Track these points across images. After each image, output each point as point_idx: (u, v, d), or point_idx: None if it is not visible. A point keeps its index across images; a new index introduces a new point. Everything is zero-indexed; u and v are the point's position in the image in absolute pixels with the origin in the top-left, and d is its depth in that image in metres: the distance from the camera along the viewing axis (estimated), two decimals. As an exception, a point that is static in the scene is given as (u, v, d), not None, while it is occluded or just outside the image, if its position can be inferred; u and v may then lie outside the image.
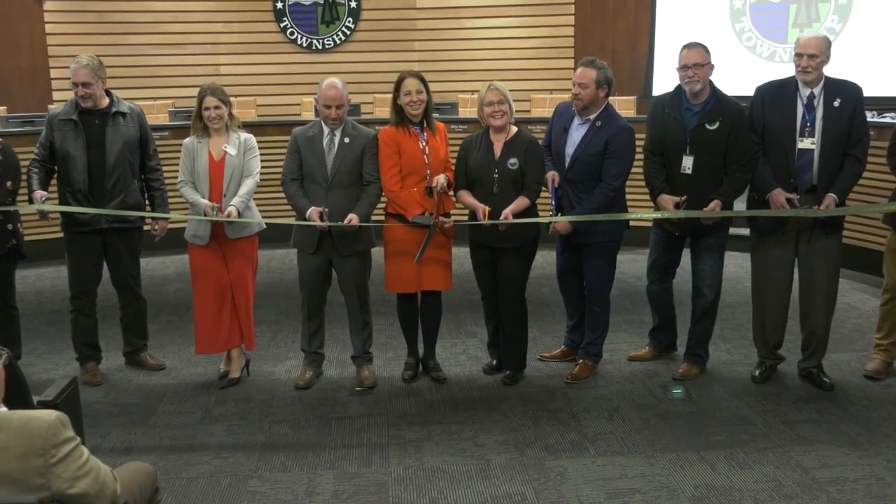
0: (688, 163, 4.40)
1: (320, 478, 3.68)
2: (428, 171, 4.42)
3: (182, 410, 4.44)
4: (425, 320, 4.77)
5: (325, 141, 4.45)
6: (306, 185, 4.49)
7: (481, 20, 10.57)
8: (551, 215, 4.45)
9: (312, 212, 4.38)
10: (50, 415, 2.03)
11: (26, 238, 4.82)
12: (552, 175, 4.44)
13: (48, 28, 10.07)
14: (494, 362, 4.87)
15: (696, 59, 4.30)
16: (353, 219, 4.35)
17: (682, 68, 4.35)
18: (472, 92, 9.27)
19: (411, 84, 4.37)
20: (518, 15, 10.53)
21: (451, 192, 4.56)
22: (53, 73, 9.95)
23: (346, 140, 4.44)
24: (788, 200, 4.26)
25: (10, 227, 4.60)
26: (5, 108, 8.79)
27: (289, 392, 4.65)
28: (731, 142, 4.34)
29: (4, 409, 2.14)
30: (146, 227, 4.95)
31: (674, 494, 3.49)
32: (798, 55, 4.24)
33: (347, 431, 4.14)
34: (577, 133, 4.44)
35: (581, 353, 4.80)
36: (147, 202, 4.86)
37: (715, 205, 4.35)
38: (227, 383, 4.74)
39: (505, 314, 4.64)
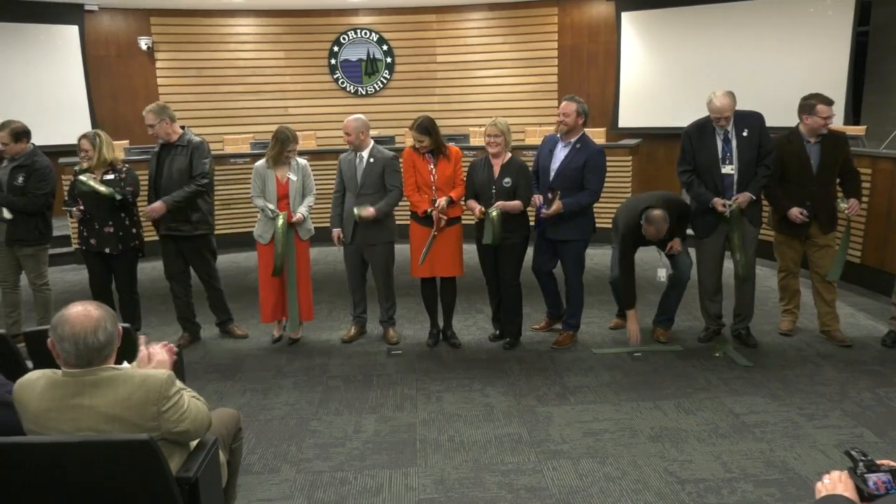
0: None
1: (364, 420, 3.68)
2: (434, 188, 4.44)
3: (260, 368, 4.45)
4: (443, 300, 4.75)
5: (357, 161, 4.57)
6: (346, 193, 4.62)
7: (487, 71, 10.52)
8: (534, 226, 4.51)
9: (336, 232, 4.64)
10: (163, 373, 2.02)
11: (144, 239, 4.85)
12: (538, 198, 4.41)
13: (159, 81, 10.13)
14: (497, 332, 4.83)
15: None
16: (370, 210, 4.46)
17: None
18: (481, 126, 9.26)
19: (414, 136, 4.42)
20: (515, 67, 10.47)
21: (463, 201, 4.54)
22: (163, 114, 10.01)
23: (372, 160, 4.56)
24: (724, 204, 4.30)
25: (134, 230, 4.62)
26: (127, 141, 8.86)
27: (342, 354, 4.65)
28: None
29: (128, 365, 2.14)
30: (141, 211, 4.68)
31: (635, 433, 3.46)
32: (716, 119, 4.27)
33: (385, 385, 4.14)
34: (561, 153, 4.43)
35: (563, 325, 4.76)
36: (195, 211, 4.61)
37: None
38: (290, 342, 4.83)
39: (504, 295, 4.61)
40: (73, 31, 9.42)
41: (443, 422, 3.64)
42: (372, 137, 4.71)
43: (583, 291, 4.69)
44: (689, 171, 4.43)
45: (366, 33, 10.51)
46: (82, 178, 4.41)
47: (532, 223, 4.52)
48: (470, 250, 4.69)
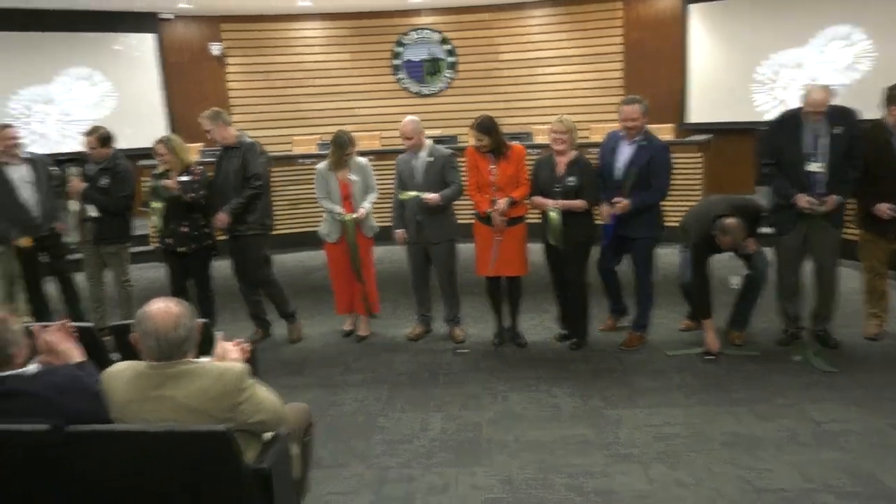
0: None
1: (431, 418, 3.69)
2: (494, 188, 4.40)
3: (328, 364, 4.53)
4: (509, 299, 4.72)
5: (415, 161, 4.61)
6: (405, 194, 4.65)
7: (551, 68, 10.40)
8: (602, 240, 4.46)
9: (399, 233, 4.70)
10: (238, 367, 2.09)
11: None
12: (607, 210, 4.31)
13: (229, 85, 10.45)
14: (563, 332, 4.77)
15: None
16: (435, 197, 4.47)
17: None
18: (544, 124, 9.15)
19: (474, 135, 4.40)
20: (579, 63, 10.31)
21: (526, 199, 4.48)
22: (234, 118, 10.29)
23: (431, 159, 4.58)
24: (809, 202, 4.11)
25: (207, 230, 4.77)
26: (202, 144, 9.16)
27: (407, 352, 4.68)
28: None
29: (207, 359, 2.21)
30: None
31: (708, 439, 3.35)
32: (810, 112, 4.07)
33: (451, 383, 4.14)
34: (625, 151, 4.34)
35: (632, 326, 4.66)
36: (251, 212, 4.67)
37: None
38: (358, 339, 4.93)
39: (571, 295, 4.55)
40: (150, 39, 9.83)
41: (509, 421, 3.62)
42: (435, 137, 4.75)
43: (653, 291, 4.58)
44: (771, 164, 4.25)
45: (428, 33, 10.56)
46: (158, 184, 4.61)
47: (599, 222, 4.44)
48: (536, 249, 4.65)
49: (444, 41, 10.57)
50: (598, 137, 8.61)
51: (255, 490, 2.05)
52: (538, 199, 4.39)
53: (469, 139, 8.95)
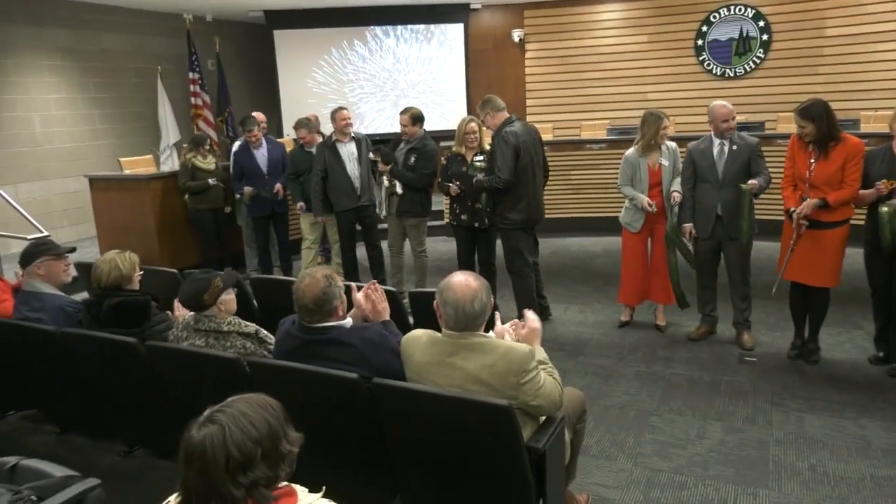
0: None
1: (709, 426, 3.43)
2: (807, 185, 3.85)
3: (603, 353, 4.46)
4: (810, 309, 4.15)
5: (716, 150, 4.25)
6: (700, 185, 4.32)
7: (891, 43, 8.82)
8: None
9: (687, 227, 4.37)
10: (525, 348, 2.15)
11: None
12: None
13: (527, 70, 10.77)
14: (881, 354, 4.06)
15: None
16: (755, 182, 4.07)
17: None
18: (875, 109, 7.83)
19: (795, 120, 3.85)
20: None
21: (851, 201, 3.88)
22: (529, 102, 10.64)
23: (735, 148, 4.20)
24: None
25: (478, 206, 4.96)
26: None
27: (687, 351, 4.40)
28: None
29: (493, 335, 2.31)
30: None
31: None
32: None
33: (735, 393, 3.79)
34: None
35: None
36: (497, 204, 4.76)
37: None
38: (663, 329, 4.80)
39: (897, 313, 3.85)
40: (458, 28, 10.58)
41: (803, 446, 3.20)
42: (738, 123, 4.34)
43: None
44: None
45: (740, 9, 9.67)
46: (474, 162, 4.94)
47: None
48: (852, 254, 4.01)
49: (759, 17, 9.59)
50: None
51: (529, 468, 2.11)
52: (864, 192, 3.76)
53: (778, 126, 8.05)
